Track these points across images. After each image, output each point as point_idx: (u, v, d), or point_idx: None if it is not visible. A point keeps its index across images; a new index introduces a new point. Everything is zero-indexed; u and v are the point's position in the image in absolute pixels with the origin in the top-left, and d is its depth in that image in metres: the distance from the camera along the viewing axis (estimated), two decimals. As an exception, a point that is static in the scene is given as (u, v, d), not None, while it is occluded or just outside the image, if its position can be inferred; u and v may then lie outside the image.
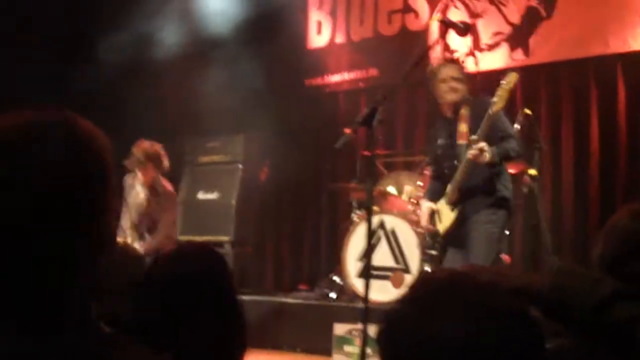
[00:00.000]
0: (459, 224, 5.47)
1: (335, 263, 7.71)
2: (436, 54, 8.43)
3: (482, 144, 5.13)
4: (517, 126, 6.15)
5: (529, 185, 6.36)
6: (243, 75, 8.79)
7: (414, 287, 1.35)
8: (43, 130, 1.33)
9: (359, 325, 5.91)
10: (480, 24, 8.28)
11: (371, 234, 4.08)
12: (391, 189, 7.74)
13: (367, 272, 4.01)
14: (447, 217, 5.54)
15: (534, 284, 1.92)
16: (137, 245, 6.90)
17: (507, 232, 6.08)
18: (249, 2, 9.06)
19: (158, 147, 7.05)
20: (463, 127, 5.51)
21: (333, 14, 9.46)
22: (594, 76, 7.61)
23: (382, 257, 6.89)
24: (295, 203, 9.45)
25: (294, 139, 9.04)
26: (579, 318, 1.81)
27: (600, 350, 1.82)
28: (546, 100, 7.75)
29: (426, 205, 5.72)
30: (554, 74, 7.78)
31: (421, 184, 7.07)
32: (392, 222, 7.00)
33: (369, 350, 4.12)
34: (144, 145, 7.00)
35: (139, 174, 7.09)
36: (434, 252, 5.94)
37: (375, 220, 6.93)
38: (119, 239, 6.65)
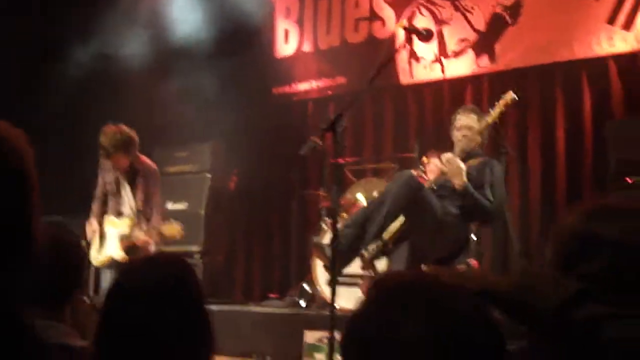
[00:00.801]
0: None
1: (306, 271, 7.70)
2: (403, 61, 8.48)
3: (460, 165, 5.41)
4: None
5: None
6: (211, 84, 8.77)
7: (375, 289, 1.35)
8: None
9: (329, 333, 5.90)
10: (446, 31, 8.33)
11: (336, 242, 4.08)
12: (360, 197, 7.75)
13: (334, 280, 4.01)
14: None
15: (499, 285, 1.93)
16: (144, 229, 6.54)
17: (475, 238, 6.09)
18: (216, 12, 9.05)
19: (124, 131, 6.59)
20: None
21: (300, 22, 9.47)
22: (559, 82, 7.67)
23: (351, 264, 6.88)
24: (265, 211, 9.44)
25: (262, 148, 9.05)
26: (542, 319, 1.82)
27: (562, 351, 1.83)
28: (512, 106, 7.80)
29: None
30: (520, 80, 7.82)
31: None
32: (360, 229, 6.99)
33: (337, 358, 4.12)
34: (109, 132, 6.53)
35: (112, 164, 6.66)
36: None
37: (344, 227, 6.94)
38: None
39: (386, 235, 5.43)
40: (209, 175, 8.80)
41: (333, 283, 4.00)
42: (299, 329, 6.53)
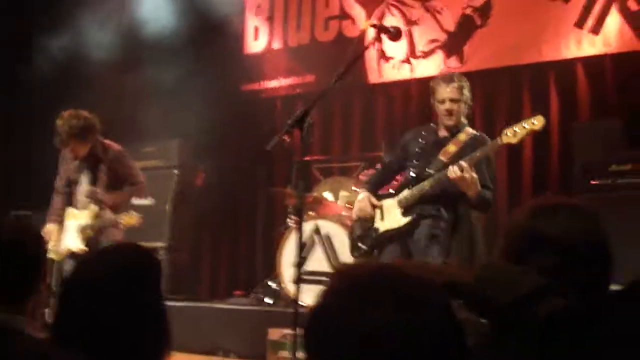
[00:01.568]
0: (405, 232, 5.27)
1: (271, 268, 7.68)
2: (372, 61, 8.49)
3: (473, 174, 4.91)
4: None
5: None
6: (179, 80, 8.73)
7: (338, 279, 1.34)
8: None
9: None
10: (416, 31, 8.35)
11: (302, 239, 4.07)
12: (327, 195, 7.75)
13: (298, 277, 4.01)
14: (393, 219, 5.33)
15: (461, 277, 1.94)
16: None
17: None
18: (185, 7, 9.01)
19: (81, 116, 6.14)
20: (452, 148, 5.27)
21: (270, 19, 9.46)
22: (527, 83, 7.72)
23: (317, 262, 6.88)
24: (231, 208, 9.40)
25: (230, 145, 9.01)
26: (500, 311, 1.83)
27: (521, 345, 1.83)
28: (480, 106, 7.82)
29: (366, 195, 5.47)
30: (488, 81, 7.86)
31: (357, 189, 7.06)
32: (327, 227, 7.00)
33: (300, 355, 4.11)
34: (65, 117, 6.10)
35: (71, 152, 6.32)
36: (363, 247, 5.47)
37: (310, 225, 6.94)
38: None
39: (382, 227, 5.34)
40: (176, 171, 8.76)
41: (298, 280, 3.99)
42: (264, 326, 6.52)
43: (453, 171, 4.88)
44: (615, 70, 7.31)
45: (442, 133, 5.39)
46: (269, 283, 7.62)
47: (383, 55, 8.50)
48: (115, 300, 1.95)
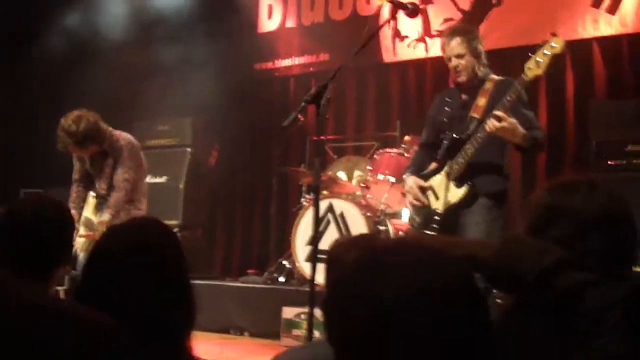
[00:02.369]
0: (468, 201, 4.93)
1: (285, 247, 7.69)
2: (387, 40, 8.46)
3: (511, 120, 4.59)
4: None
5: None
6: (193, 59, 8.73)
7: (360, 252, 1.33)
8: None
9: (307, 309, 5.89)
10: (431, 10, 8.31)
11: (318, 217, 4.05)
12: (341, 174, 7.75)
13: (315, 256, 3.99)
14: (450, 193, 5.00)
15: (482, 251, 1.93)
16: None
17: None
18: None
19: (81, 124, 5.74)
20: (481, 101, 4.95)
21: (284, -3, 9.43)
22: (543, 63, 7.67)
23: (331, 240, 6.86)
24: (245, 187, 9.42)
25: (243, 123, 9.00)
26: (524, 284, 1.82)
27: (543, 319, 1.82)
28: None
29: (413, 180, 5.15)
30: (504, 61, 7.80)
31: (371, 168, 7.05)
32: (340, 205, 7.00)
33: (316, 333, 4.11)
34: (64, 127, 5.73)
35: (80, 155, 6.09)
36: (431, 233, 5.01)
37: (324, 204, 6.93)
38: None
39: (442, 206, 4.99)
40: (189, 150, 8.77)
41: (314, 259, 3.97)
42: (278, 305, 6.53)
43: (491, 125, 4.61)
44: (632, 50, 7.27)
45: (466, 91, 5.13)
46: (283, 262, 7.63)
47: (398, 34, 8.46)
48: (139, 273, 1.95)
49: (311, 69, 9.15)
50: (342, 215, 6.96)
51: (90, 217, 6.07)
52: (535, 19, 7.61)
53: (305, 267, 6.99)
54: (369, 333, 1.20)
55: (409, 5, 4.42)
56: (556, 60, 4.66)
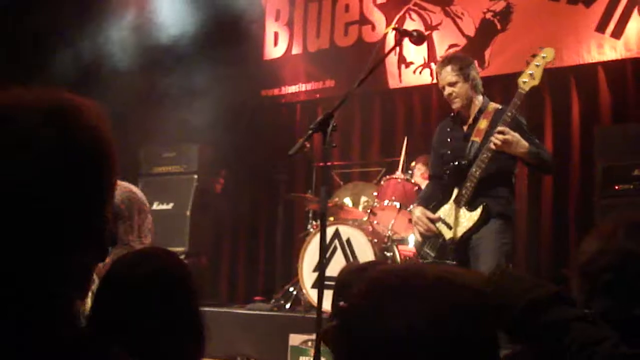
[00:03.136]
0: (482, 224, 4.92)
1: (291, 274, 7.67)
2: (392, 66, 8.48)
3: (513, 133, 4.72)
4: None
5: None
6: (199, 86, 8.75)
7: (368, 283, 1.33)
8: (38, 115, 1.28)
9: (314, 336, 5.87)
10: (436, 36, 8.34)
11: (325, 244, 4.04)
12: (347, 200, 7.74)
13: (321, 282, 3.97)
14: (464, 219, 4.98)
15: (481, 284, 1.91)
16: None
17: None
18: (205, 13, 9.02)
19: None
20: (483, 124, 5.04)
21: (290, 25, 9.46)
22: (548, 88, 7.67)
23: (338, 267, 6.83)
24: (251, 214, 9.42)
25: (250, 150, 9.02)
26: (512, 319, 1.81)
27: (531, 354, 1.82)
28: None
29: (420, 210, 5.16)
30: (509, 86, 7.81)
31: (377, 194, 7.05)
32: (347, 232, 6.98)
33: (322, 360, 4.08)
34: None
35: None
36: (451, 262, 4.96)
37: (331, 230, 6.92)
38: None
39: (458, 233, 4.98)
40: (195, 177, 8.78)
41: (321, 285, 3.96)
42: (284, 332, 6.50)
43: (495, 140, 4.71)
44: (637, 74, 7.28)
45: (466, 121, 5.19)
46: (289, 289, 7.61)
47: (403, 61, 8.49)
48: (147, 300, 1.95)
49: (317, 95, 9.18)
50: (348, 241, 6.94)
51: None
52: (540, 44, 7.56)
53: (312, 294, 6.97)
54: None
55: (414, 33, 4.43)
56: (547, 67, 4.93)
